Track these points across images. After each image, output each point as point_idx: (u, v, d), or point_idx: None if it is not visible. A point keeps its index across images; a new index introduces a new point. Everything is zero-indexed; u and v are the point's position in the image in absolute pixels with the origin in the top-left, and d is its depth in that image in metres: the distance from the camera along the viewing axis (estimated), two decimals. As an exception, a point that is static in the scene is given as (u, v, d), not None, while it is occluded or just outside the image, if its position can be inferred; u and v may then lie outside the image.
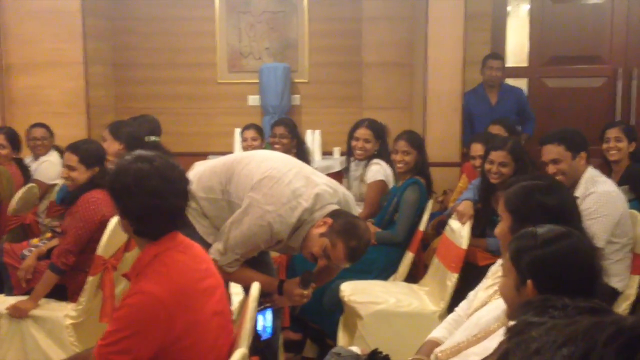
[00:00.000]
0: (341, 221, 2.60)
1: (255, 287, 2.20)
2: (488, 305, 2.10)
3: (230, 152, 4.71)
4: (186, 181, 2.06)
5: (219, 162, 2.90)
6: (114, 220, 3.16)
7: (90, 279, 3.18)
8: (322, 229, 2.60)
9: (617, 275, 3.07)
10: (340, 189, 2.83)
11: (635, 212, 3.25)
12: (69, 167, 3.38)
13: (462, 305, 2.34)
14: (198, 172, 2.85)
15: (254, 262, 2.82)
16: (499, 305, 1.97)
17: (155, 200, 1.94)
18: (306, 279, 2.73)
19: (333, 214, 2.64)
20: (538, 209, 2.05)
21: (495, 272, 2.27)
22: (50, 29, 5.37)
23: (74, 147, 3.43)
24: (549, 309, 1.16)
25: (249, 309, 2.05)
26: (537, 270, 1.64)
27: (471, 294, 2.35)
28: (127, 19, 6.12)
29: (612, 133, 3.89)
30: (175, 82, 6.15)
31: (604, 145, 3.96)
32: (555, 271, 1.62)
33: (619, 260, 3.10)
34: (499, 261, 2.29)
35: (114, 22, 6.10)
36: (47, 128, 4.68)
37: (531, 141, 5.33)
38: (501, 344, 1.04)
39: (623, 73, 5.86)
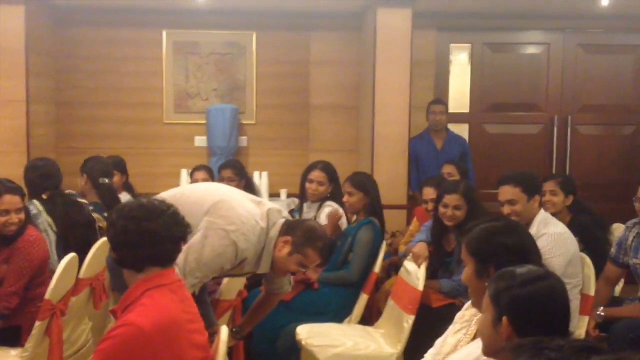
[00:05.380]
0: (298, 232, 2.77)
1: (224, 330, 2.16)
2: (459, 351, 2.12)
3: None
4: (171, 214, 2.08)
5: (164, 195, 2.90)
6: (64, 263, 3.10)
7: (37, 323, 3.06)
8: (287, 249, 2.76)
9: (567, 316, 3.15)
10: (278, 206, 3.00)
11: (582, 254, 3.37)
12: (16, 211, 3.26)
13: (431, 351, 2.35)
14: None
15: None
16: (470, 352, 1.98)
17: (132, 225, 2.00)
18: (237, 331, 3.07)
19: (287, 230, 2.79)
20: (500, 250, 2.10)
21: (462, 317, 2.29)
22: (-8, 66, 5.23)
23: (15, 189, 3.31)
24: (544, 350, 1.17)
25: (219, 351, 2.01)
26: (515, 309, 1.68)
27: (439, 341, 2.36)
28: (72, 56, 6.01)
29: (548, 187, 3.98)
30: (120, 121, 6.05)
31: (542, 198, 4.09)
32: (533, 310, 1.66)
33: (570, 300, 3.18)
34: (466, 305, 2.32)
35: (58, 60, 5.98)
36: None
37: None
38: None
39: (558, 120, 6.12)
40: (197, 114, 6.04)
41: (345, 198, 4.01)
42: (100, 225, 3.86)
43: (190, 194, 2.88)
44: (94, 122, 6.05)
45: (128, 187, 4.97)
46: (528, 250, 2.14)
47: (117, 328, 1.89)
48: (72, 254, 3.19)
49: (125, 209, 2.08)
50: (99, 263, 3.46)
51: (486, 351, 1.80)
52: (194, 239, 2.67)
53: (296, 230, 2.79)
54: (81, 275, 3.32)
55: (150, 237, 2.01)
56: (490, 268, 2.01)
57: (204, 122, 5.97)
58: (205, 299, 3.09)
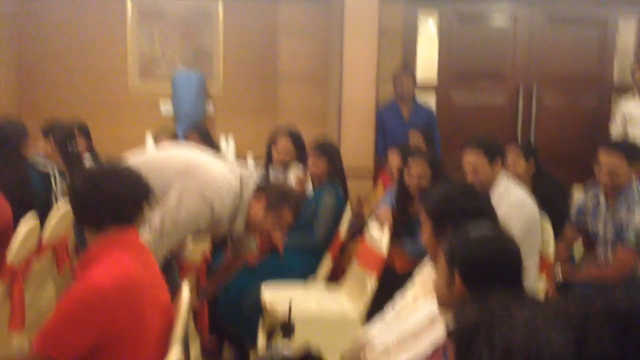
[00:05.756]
0: (272, 193, 2.85)
1: (185, 289, 2.16)
2: (416, 307, 2.16)
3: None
4: (132, 175, 2.07)
5: (134, 159, 2.90)
6: (24, 227, 3.07)
7: (-2, 287, 3.03)
8: (262, 210, 2.82)
9: (526, 277, 3.21)
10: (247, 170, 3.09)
11: (542, 218, 3.44)
12: None
13: (390, 308, 2.38)
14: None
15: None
16: (427, 308, 2.02)
17: (92, 186, 1.99)
18: (202, 294, 3.15)
19: (259, 192, 2.85)
20: (456, 211, 2.15)
21: (421, 274, 2.34)
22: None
23: None
24: (488, 305, 1.21)
25: (180, 310, 2.02)
26: (467, 268, 1.74)
27: (398, 299, 2.40)
28: (35, 21, 5.88)
29: (510, 152, 4.04)
30: (84, 87, 5.96)
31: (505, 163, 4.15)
32: (484, 269, 1.73)
33: (527, 262, 3.25)
34: (424, 264, 2.37)
35: (20, 25, 5.85)
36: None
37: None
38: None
39: (524, 91, 6.18)
40: (162, 81, 5.98)
41: (311, 165, 4.03)
42: (63, 190, 3.82)
43: (162, 156, 2.89)
44: (58, 88, 5.95)
45: (92, 153, 4.92)
46: (484, 212, 2.20)
47: (77, 285, 1.88)
48: (32, 218, 3.16)
49: (86, 171, 2.08)
50: (62, 227, 3.43)
51: (440, 306, 1.84)
52: (170, 202, 2.69)
53: (269, 191, 2.86)
54: (44, 239, 3.29)
55: (110, 198, 1.99)
56: (447, 229, 2.06)
57: (169, 88, 5.90)
58: (171, 262, 3.09)
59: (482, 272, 1.72)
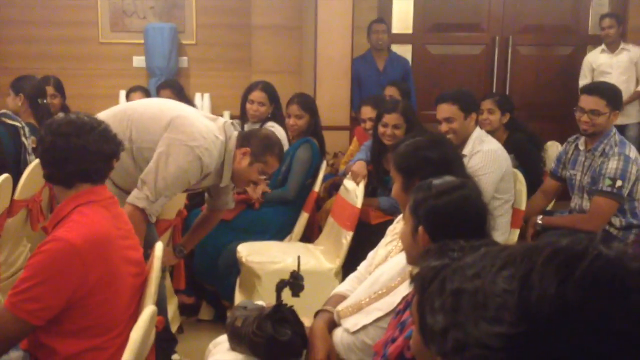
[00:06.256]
0: (255, 141, 2.83)
1: (158, 247, 2.17)
2: (388, 262, 2.19)
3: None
4: (102, 130, 2.03)
5: (110, 113, 2.86)
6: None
7: (-29, 246, 3.01)
8: (247, 160, 2.81)
9: (499, 230, 3.27)
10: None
11: (515, 170, 3.48)
12: None
13: (364, 264, 2.41)
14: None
15: None
16: (399, 262, 2.05)
17: (61, 141, 1.96)
18: (179, 250, 3.12)
19: (242, 141, 2.83)
20: (423, 163, 2.17)
21: (393, 230, 2.36)
22: None
23: None
24: (447, 252, 1.24)
25: (154, 267, 2.02)
26: (430, 219, 1.76)
27: (371, 253, 2.43)
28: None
29: (485, 105, 4.07)
30: (54, 41, 5.81)
31: (480, 117, 4.17)
32: (447, 219, 1.74)
33: (501, 215, 3.30)
34: (397, 219, 2.39)
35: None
36: None
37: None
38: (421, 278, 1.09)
39: (500, 41, 6.16)
40: (134, 33, 5.85)
41: (293, 120, 4.01)
42: (34, 146, 3.77)
43: (144, 110, 2.84)
44: (26, 42, 5.80)
45: (65, 109, 4.84)
46: (451, 163, 2.21)
47: (47, 243, 1.87)
48: (4, 175, 3.12)
49: (54, 125, 2.03)
50: (35, 184, 3.39)
51: (409, 260, 1.87)
52: (158, 158, 2.67)
53: (252, 139, 2.85)
54: (16, 196, 3.26)
55: (79, 153, 1.97)
56: (416, 181, 2.05)
57: (142, 41, 5.78)
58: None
59: (444, 222, 1.73)
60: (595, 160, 3.35)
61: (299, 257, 2.45)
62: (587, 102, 3.35)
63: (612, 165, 3.24)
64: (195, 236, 3.19)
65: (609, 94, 3.38)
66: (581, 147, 3.48)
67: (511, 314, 0.68)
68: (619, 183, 3.22)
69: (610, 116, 3.33)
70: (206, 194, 3.15)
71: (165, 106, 2.90)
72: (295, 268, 2.37)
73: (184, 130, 2.70)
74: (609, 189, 3.24)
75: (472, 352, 0.70)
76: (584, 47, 6.24)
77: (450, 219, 1.74)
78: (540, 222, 3.52)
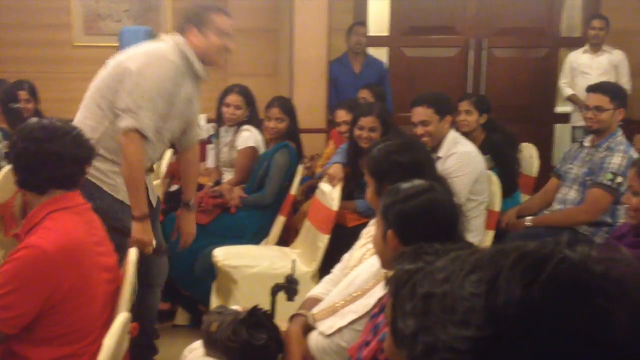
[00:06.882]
0: (189, 16, 2.76)
1: (133, 252, 2.15)
2: (363, 264, 2.19)
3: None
4: (75, 135, 2.02)
5: (84, 103, 2.91)
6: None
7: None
8: (196, 34, 2.73)
9: (474, 231, 3.29)
10: None
11: (490, 172, 3.50)
12: None
13: (338, 266, 2.42)
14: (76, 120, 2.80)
15: None
16: (373, 264, 2.05)
17: (33, 146, 1.94)
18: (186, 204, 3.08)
19: (182, 25, 2.77)
20: (394, 167, 2.18)
21: (368, 232, 2.36)
22: None
23: None
24: (422, 255, 1.24)
25: (128, 272, 2.01)
26: (399, 223, 1.77)
27: (346, 255, 2.43)
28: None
29: (463, 106, 4.09)
30: (26, 44, 5.74)
31: (457, 118, 4.19)
32: (415, 223, 1.75)
33: (475, 217, 3.33)
34: (371, 222, 2.39)
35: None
36: None
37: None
38: (394, 284, 1.10)
39: (474, 44, 6.21)
40: (109, 37, 5.80)
41: (273, 124, 4.00)
42: (7, 152, 3.72)
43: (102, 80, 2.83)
44: (0, 45, 5.73)
45: (38, 114, 4.79)
46: (422, 166, 2.22)
47: (19, 250, 1.86)
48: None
49: (26, 130, 2.01)
50: (7, 190, 3.34)
51: (382, 264, 1.88)
52: (128, 83, 2.63)
53: (188, 14, 2.80)
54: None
55: (52, 159, 1.96)
56: (387, 185, 2.06)
57: (116, 44, 5.73)
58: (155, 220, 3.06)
59: (413, 225, 1.74)
60: (598, 154, 3.42)
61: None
62: (591, 99, 3.47)
63: (616, 160, 3.31)
64: (188, 186, 3.13)
65: (612, 91, 3.49)
66: (586, 144, 3.56)
67: (478, 317, 0.68)
68: (619, 179, 3.27)
69: (614, 113, 3.41)
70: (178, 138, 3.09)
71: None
72: (271, 272, 2.36)
73: (144, 53, 2.71)
74: (608, 183, 3.29)
75: (441, 355, 0.71)
76: (557, 48, 6.31)
77: (418, 222, 1.75)
78: (529, 223, 3.54)
